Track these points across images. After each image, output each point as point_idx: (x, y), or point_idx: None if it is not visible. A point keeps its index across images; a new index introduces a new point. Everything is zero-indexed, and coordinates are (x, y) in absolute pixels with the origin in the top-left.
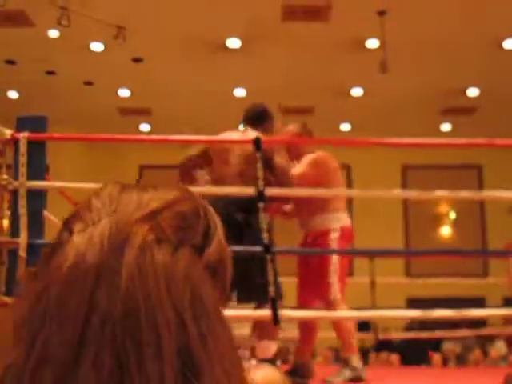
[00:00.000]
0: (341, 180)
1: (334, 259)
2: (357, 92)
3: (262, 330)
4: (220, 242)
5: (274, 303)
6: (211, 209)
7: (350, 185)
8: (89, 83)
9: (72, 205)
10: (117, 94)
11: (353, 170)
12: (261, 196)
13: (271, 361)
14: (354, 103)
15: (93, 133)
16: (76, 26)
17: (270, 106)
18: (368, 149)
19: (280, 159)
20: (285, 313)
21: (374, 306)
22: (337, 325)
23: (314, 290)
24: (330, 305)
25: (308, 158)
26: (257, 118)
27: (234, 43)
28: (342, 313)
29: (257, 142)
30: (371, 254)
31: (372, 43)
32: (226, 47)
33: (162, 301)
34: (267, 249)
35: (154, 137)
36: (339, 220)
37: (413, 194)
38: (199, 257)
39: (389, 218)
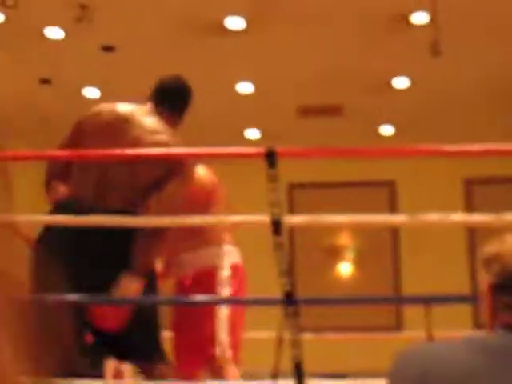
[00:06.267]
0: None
1: (222, 310)
2: (401, 83)
3: None
4: None
5: (299, 369)
6: None
7: (394, 207)
8: (45, 81)
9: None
10: (82, 95)
11: (398, 187)
12: (277, 227)
13: None
14: (398, 98)
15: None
16: (26, 7)
17: (285, 105)
18: (418, 158)
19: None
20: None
21: None
22: None
23: (195, 350)
24: (215, 365)
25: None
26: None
27: (235, 23)
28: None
29: (269, 155)
30: (427, 301)
31: (419, 17)
32: (225, 29)
33: None
34: (289, 297)
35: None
36: (228, 255)
37: (481, 217)
38: None
39: (449, 252)
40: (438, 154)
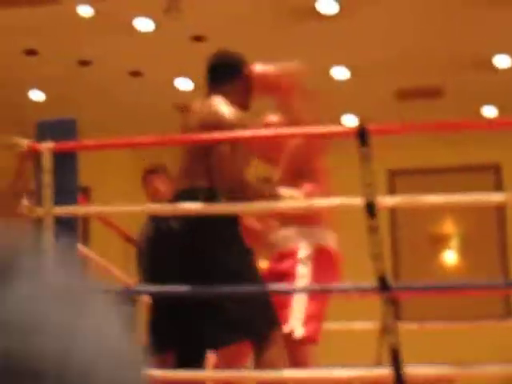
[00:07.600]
0: None
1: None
2: (502, 61)
3: None
4: None
5: (396, 358)
6: None
7: (500, 191)
8: (136, 73)
9: (120, 235)
10: (173, 86)
11: (503, 170)
12: (371, 209)
13: None
14: (500, 77)
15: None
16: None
17: (382, 88)
18: None
19: None
20: (413, 371)
21: None
22: None
23: None
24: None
25: None
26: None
27: (328, 7)
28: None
29: (361, 133)
30: None
31: None
32: (317, 13)
33: None
34: (384, 284)
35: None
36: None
37: None
38: None
39: None
40: None
